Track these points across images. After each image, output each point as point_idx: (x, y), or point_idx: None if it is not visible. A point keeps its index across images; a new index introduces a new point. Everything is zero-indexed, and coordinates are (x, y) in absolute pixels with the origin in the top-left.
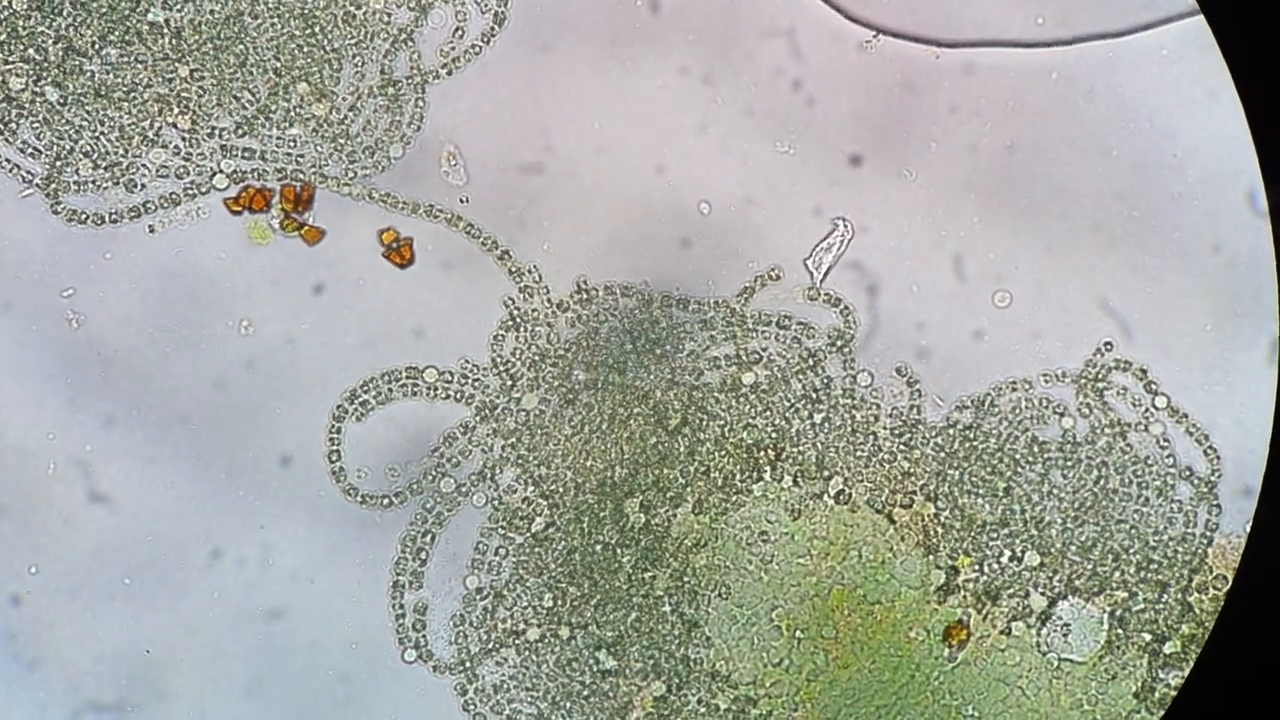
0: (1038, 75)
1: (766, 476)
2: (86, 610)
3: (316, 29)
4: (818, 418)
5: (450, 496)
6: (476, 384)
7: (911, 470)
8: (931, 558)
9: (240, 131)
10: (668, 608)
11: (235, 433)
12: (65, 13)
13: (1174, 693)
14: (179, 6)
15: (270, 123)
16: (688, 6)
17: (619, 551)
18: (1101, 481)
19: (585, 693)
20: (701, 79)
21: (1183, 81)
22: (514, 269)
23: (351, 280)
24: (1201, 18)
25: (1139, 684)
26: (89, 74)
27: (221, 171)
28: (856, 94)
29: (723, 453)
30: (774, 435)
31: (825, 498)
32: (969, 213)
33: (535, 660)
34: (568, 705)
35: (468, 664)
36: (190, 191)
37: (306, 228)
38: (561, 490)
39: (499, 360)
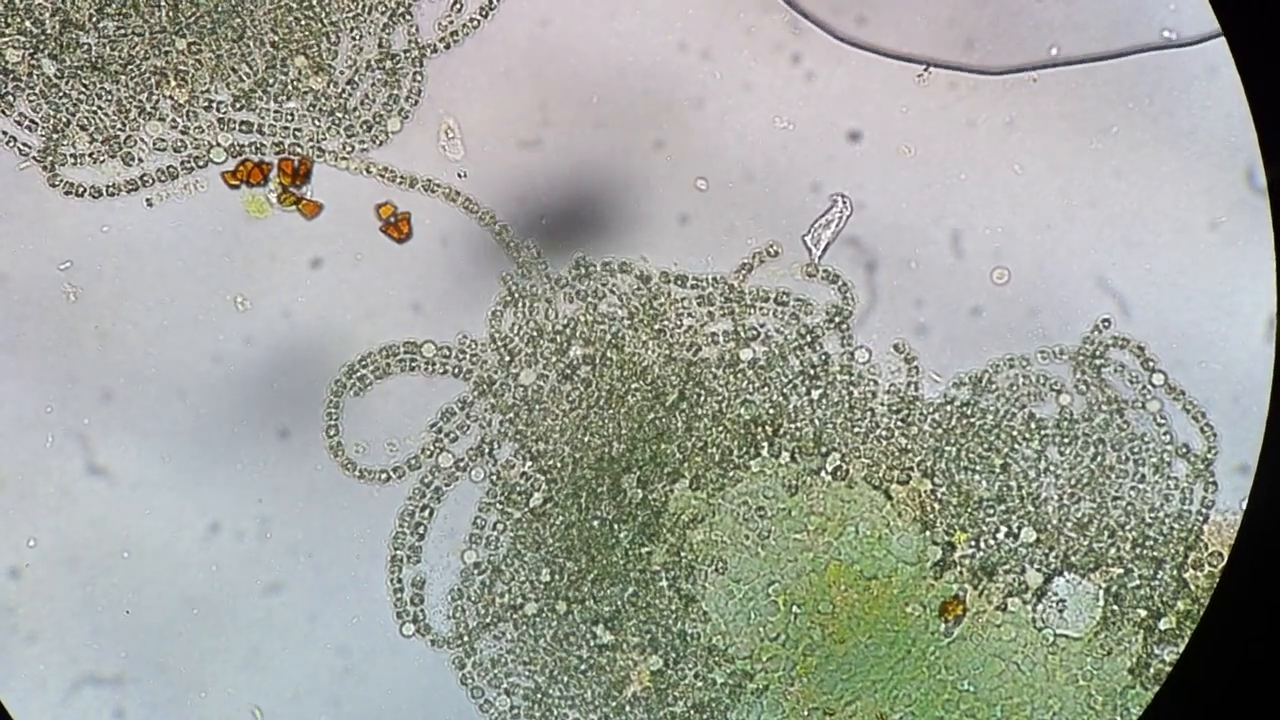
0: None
1: (764, 452)
2: (85, 583)
3: (314, 1)
4: (815, 394)
5: (448, 471)
6: (474, 359)
7: (909, 446)
8: (928, 533)
9: (238, 105)
10: (665, 583)
11: (233, 407)
12: None
13: (1169, 669)
14: None
15: (268, 96)
16: None
17: (616, 527)
18: (1098, 458)
19: (582, 667)
20: (700, 54)
21: (1181, 58)
22: (512, 244)
23: (349, 254)
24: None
25: (1134, 660)
26: (86, 47)
27: (219, 145)
28: (855, 69)
29: (720, 428)
30: (771, 411)
31: (822, 473)
32: (967, 188)
33: (533, 634)
34: (565, 679)
35: (465, 638)
36: (188, 165)
37: (304, 201)
38: (559, 465)
39: (497, 335)
